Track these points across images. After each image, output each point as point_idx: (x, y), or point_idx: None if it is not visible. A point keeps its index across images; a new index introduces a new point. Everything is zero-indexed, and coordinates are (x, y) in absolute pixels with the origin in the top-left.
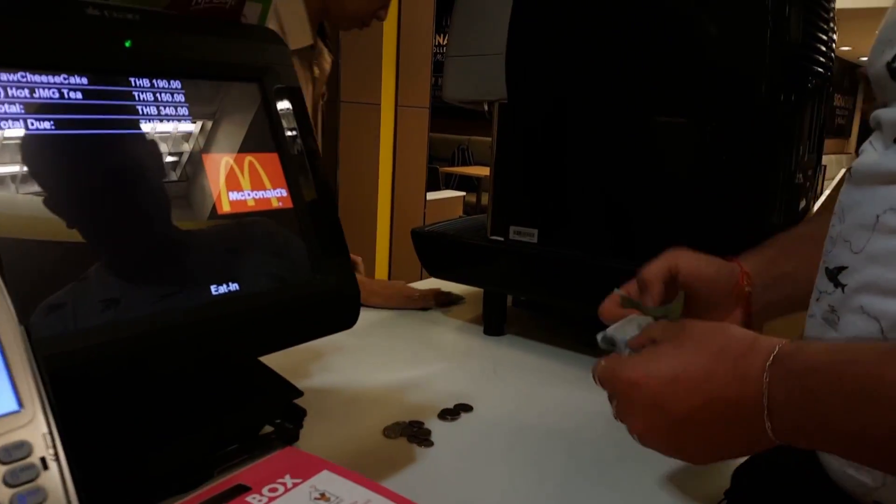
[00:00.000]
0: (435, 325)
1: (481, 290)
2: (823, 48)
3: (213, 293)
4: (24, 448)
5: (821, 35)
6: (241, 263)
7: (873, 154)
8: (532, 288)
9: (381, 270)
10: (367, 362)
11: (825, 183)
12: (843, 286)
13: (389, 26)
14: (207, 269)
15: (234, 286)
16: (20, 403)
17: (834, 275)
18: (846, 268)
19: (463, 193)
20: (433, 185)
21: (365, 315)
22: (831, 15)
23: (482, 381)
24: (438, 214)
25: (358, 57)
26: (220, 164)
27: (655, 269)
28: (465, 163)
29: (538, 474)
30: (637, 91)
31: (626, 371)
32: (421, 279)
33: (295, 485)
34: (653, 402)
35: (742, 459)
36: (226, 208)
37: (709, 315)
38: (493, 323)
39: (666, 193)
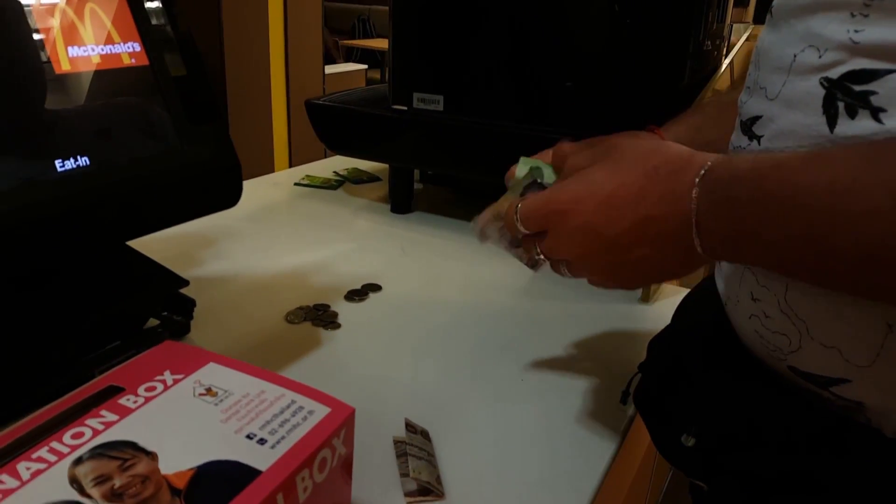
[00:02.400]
0: (340, 206)
1: (386, 165)
2: None
3: (59, 169)
4: None
5: None
6: (92, 134)
7: None
8: (440, 160)
9: (281, 150)
10: (266, 247)
11: (730, 49)
12: (758, 138)
13: None
14: (49, 142)
15: (83, 160)
16: None
17: (748, 126)
18: (761, 117)
19: (365, 67)
20: (333, 60)
21: (262, 196)
22: None
23: (390, 261)
24: (339, 89)
25: None
26: (52, 14)
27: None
28: (366, 35)
29: (448, 349)
30: None
31: (557, 201)
32: (326, 157)
33: (176, 381)
34: (586, 226)
35: (656, 331)
36: (64, 67)
37: None
38: (401, 200)
39: (576, 57)
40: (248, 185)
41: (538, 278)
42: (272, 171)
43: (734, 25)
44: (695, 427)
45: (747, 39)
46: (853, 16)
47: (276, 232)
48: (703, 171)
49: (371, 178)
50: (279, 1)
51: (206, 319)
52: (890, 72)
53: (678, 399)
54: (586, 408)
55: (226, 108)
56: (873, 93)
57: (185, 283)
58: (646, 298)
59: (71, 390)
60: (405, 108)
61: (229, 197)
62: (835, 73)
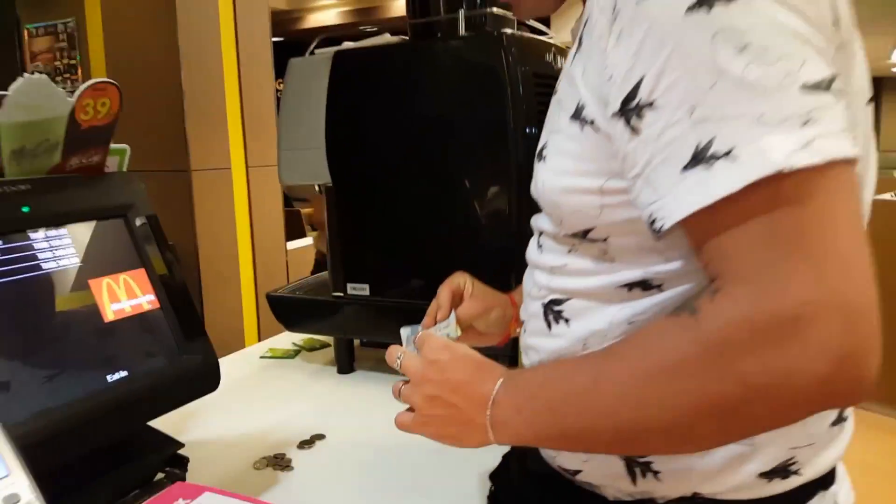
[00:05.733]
0: (297, 372)
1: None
2: None
3: (108, 381)
4: (15, 497)
5: None
6: (127, 355)
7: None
8: (369, 331)
9: (251, 326)
10: (235, 411)
11: None
12: (524, 327)
13: (231, 93)
14: (102, 363)
15: (123, 373)
16: (7, 470)
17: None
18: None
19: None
20: (297, 230)
21: (234, 371)
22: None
23: (335, 414)
24: (301, 259)
25: (203, 123)
26: (101, 284)
27: (444, 294)
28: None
29: (380, 484)
30: (433, 169)
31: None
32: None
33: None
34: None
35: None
36: (110, 317)
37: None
38: (344, 363)
39: (462, 247)
40: (223, 363)
41: None
42: (243, 341)
43: None
44: None
45: None
46: (551, 273)
47: (245, 399)
48: (504, 376)
49: (323, 345)
50: (244, 195)
51: (196, 471)
52: (568, 299)
53: None
54: None
55: (201, 297)
56: (563, 310)
57: (181, 445)
58: None
59: None
60: (342, 294)
61: (212, 385)
62: (545, 300)
